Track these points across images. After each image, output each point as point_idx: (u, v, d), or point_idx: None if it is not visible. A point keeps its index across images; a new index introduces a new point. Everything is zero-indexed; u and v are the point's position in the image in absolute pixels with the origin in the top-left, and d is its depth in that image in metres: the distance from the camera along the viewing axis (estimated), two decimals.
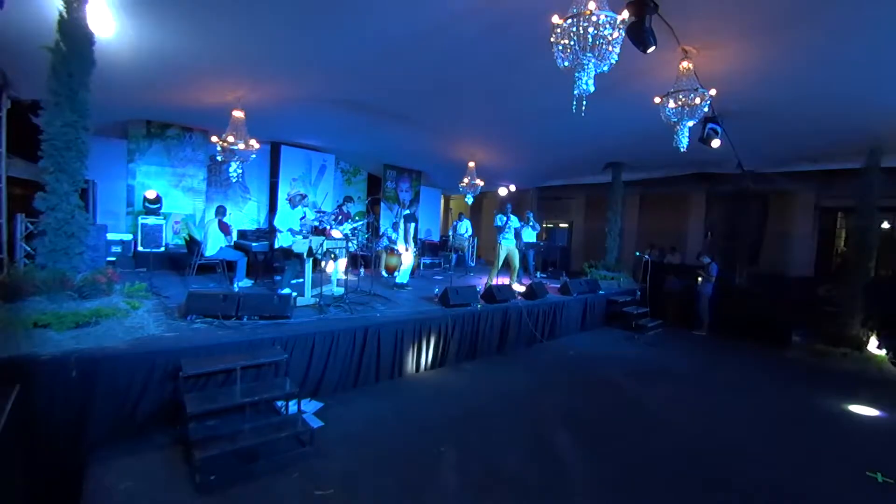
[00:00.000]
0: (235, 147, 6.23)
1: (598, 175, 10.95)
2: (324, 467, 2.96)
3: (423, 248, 11.06)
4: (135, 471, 2.75)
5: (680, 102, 4.29)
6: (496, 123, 7.67)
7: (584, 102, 3.11)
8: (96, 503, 2.48)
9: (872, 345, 6.61)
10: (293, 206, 5.65)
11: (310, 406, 3.79)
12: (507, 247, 7.44)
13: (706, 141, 5.66)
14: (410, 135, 8.47)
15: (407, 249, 7.20)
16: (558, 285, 7.93)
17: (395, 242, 8.30)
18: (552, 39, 3.02)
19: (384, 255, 8.03)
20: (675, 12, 3.69)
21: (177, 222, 8.57)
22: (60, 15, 3.48)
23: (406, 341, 4.85)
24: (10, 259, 5.45)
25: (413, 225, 6.93)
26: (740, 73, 4.77)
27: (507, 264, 7.62)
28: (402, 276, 6.98)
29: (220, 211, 6.39)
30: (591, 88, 3.03)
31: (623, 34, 2.95)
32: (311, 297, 5.17)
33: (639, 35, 3.54)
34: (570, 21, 2.91)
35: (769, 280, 9.21)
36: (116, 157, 7.98)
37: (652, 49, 3.66)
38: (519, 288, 7.16)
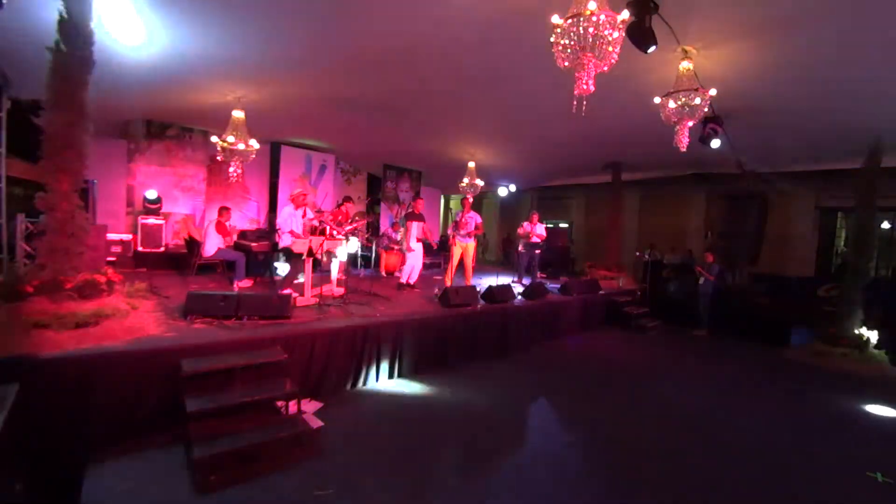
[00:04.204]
0: (235, 147, 6.23)
1: (598, 175, 10.96)
2: (324, 467, 2.95)
3: (424, 247, 11.00)
4: (135, 471, 2.75)
5: (680, 102, 4.29)
6: (496, 123, 7.67)
7: (584, 102, 3.11)
8: (96, 503, 2.47)
9: (872, 345, 6.60)
10: (297, 207, 5.64)
11: (310, 406, 3.78)
12: (462, 246, 7.04)
13: (706, 141, 5.67)
14: (410, 135, 8.48)
15: (412, 249, 7.09)
16: (558, 285, 7.93)
17: (397, 242, 8.28)
18: (552, 39, 3.02)
19: (384, 255, 8.02)
20: (675, 12, 3.69)
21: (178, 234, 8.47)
22: (60, 15, 3.47)
23: (406, 341, 4.85)
24: (10, 259, 5.45)
25: (418, 224, 6.89)
26: (740, 73, 4.77)
27: (461, 263, 7.20)
28: (413, 276, 6.92)
29: (223, 212, 6.40)
30: (591, 88, 3.03)
31: (623, 34, 2.95)
32: (311, 296, 5.17)
33: (639, 35, 3.54)
34: (570, 21, 2.91)
35: (769, 280, 9.21)
36: (116, 157, 7.98)
37: (652, 49, 3.68)
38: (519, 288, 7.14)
